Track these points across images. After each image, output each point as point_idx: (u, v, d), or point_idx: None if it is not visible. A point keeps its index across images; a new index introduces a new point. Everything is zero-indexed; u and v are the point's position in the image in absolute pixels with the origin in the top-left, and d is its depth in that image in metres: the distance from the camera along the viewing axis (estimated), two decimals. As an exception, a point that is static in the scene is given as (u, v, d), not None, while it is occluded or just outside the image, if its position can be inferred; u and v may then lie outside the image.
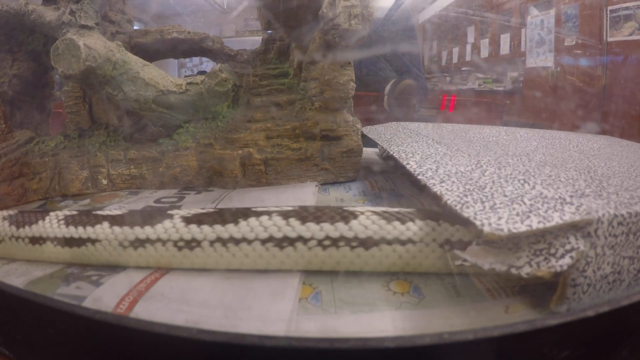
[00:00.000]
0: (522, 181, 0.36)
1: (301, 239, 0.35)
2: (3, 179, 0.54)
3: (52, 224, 0.39)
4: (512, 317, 0.30)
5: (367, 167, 0.70)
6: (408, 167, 0.44)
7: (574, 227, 0.28)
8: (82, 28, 0.55)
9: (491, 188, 0.35)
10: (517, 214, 0.29)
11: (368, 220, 0.35)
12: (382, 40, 1.19)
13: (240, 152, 0.61)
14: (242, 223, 0.36)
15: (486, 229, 0.27)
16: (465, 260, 0.29)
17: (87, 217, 0.39)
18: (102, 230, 0.38)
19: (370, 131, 0.72)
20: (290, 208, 0.37)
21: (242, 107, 0.66)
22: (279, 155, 0.61)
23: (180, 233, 0.36)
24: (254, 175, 0.61)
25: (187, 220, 0.37)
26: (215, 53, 0.71)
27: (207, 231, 0.36)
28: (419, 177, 0.40)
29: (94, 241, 0.38)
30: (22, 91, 0.62)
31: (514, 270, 0.27)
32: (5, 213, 0.42)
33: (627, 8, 1.43)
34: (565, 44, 1.64)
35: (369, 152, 0.81)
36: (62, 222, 0.39)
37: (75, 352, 0.27)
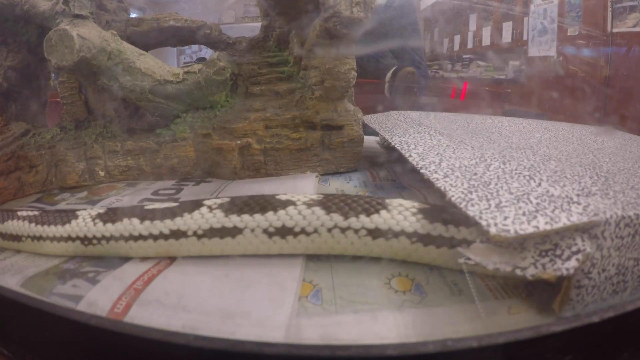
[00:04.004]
0: (527, 177, 0.35)
1: None
2: (-1, 173, 0.54)
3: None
4: (515, 317, 0.29)
5: (367, 156, 0.69)
6: (410, 159, 0.44)
7: (581, 229, 0.27)
8: (75, 17, 0.54)
9: (496, 184, 0.34)
10: (524, 214, 0.28)
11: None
12: (383, 27, 1.17)
13: (239, 142, 0.60)
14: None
15: (492, 230, 0.26)
16: (469, 258, 0.29)
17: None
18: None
19: (372, 120, 0.71)
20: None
21: (241, 96, 0.65)
22: (278, 146, 0.60)
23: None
24: (253, 165, 0.61)
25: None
26: (213, 41, 0.70)
27: None
28: (421, 170, 0.39)
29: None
30: (17, 83, 0.60)
31: (518, 272, 0.27)
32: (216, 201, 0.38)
33: (632, -1, 1.41)
34: (568, 33, 1.62)
35: (369, 140, 0.80)
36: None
37: (72, 353, 0.27)
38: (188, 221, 0.36)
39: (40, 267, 0.38)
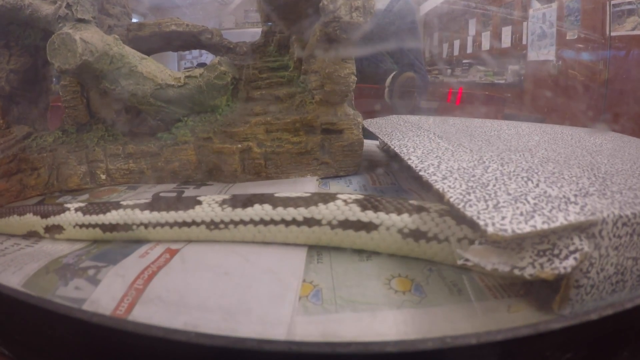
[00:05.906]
0: (525, 178, 0.36)
1: None
2: (1, 176, 0.54)
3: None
4: (514, 316, 0.29)
5: (367, 160, 0.70)
6: (409, 162, 0.44)
7: (578, 228, 0.27)
8: (78, 22, 0.54)
9: (494, 185, 0.34)
10: (521, 214, 0.28)
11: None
12: (384, 32, 1.18)
13: (239, 146, 0.60)
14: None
15: (490, 229, 0.27)
16: (467, 260, 0.29)
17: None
18: None
19: (371, 124, 0.71)
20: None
21: (242, 100, 0.65)
22: (278, 149, 0.61)
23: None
24: (254, 169, 0.61)
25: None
26: (214, 46, 0.70)
27: None
28: (420, 173, 0.40)
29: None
30: (20, 86, 0.61)
31: (517, 272, 0.27)
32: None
33: (630, 2, 1.42)
34: (567, 37, 1.63)
35: (369, 144, 0.80)
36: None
37: (74, 353, 0.27)
38: (323, 211, 0.38)
39: (39, 263, 0.38)
